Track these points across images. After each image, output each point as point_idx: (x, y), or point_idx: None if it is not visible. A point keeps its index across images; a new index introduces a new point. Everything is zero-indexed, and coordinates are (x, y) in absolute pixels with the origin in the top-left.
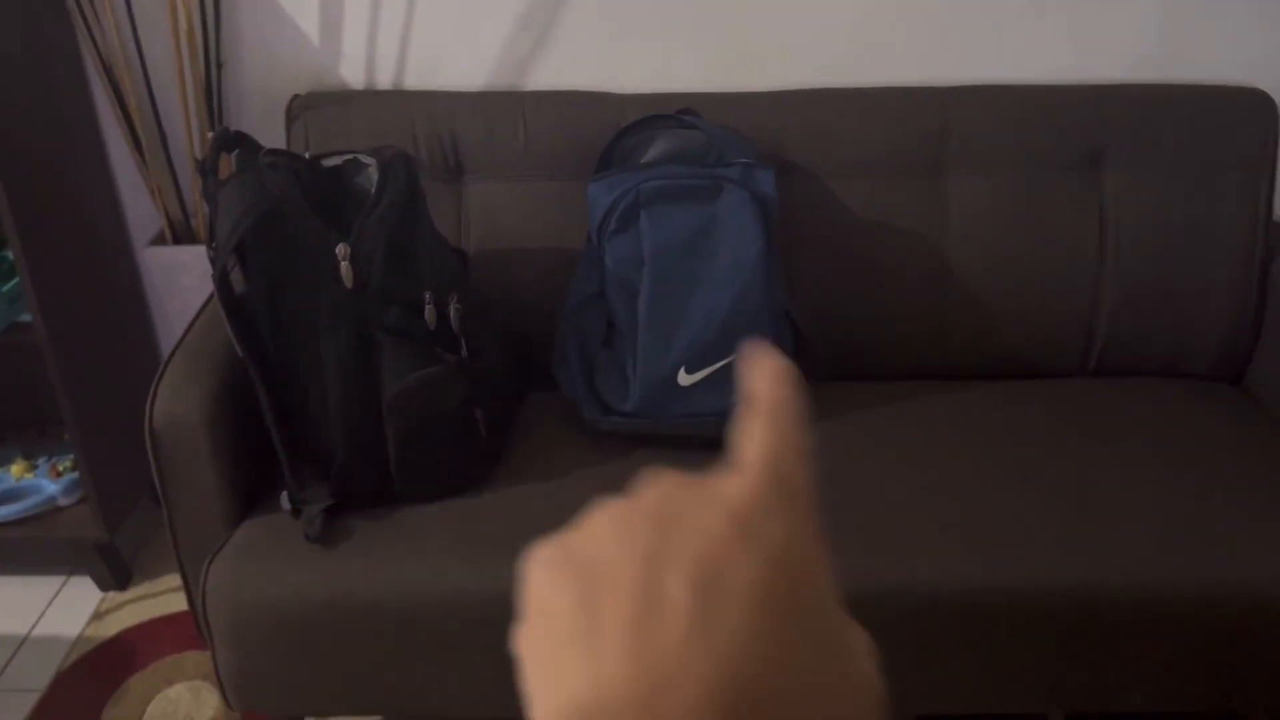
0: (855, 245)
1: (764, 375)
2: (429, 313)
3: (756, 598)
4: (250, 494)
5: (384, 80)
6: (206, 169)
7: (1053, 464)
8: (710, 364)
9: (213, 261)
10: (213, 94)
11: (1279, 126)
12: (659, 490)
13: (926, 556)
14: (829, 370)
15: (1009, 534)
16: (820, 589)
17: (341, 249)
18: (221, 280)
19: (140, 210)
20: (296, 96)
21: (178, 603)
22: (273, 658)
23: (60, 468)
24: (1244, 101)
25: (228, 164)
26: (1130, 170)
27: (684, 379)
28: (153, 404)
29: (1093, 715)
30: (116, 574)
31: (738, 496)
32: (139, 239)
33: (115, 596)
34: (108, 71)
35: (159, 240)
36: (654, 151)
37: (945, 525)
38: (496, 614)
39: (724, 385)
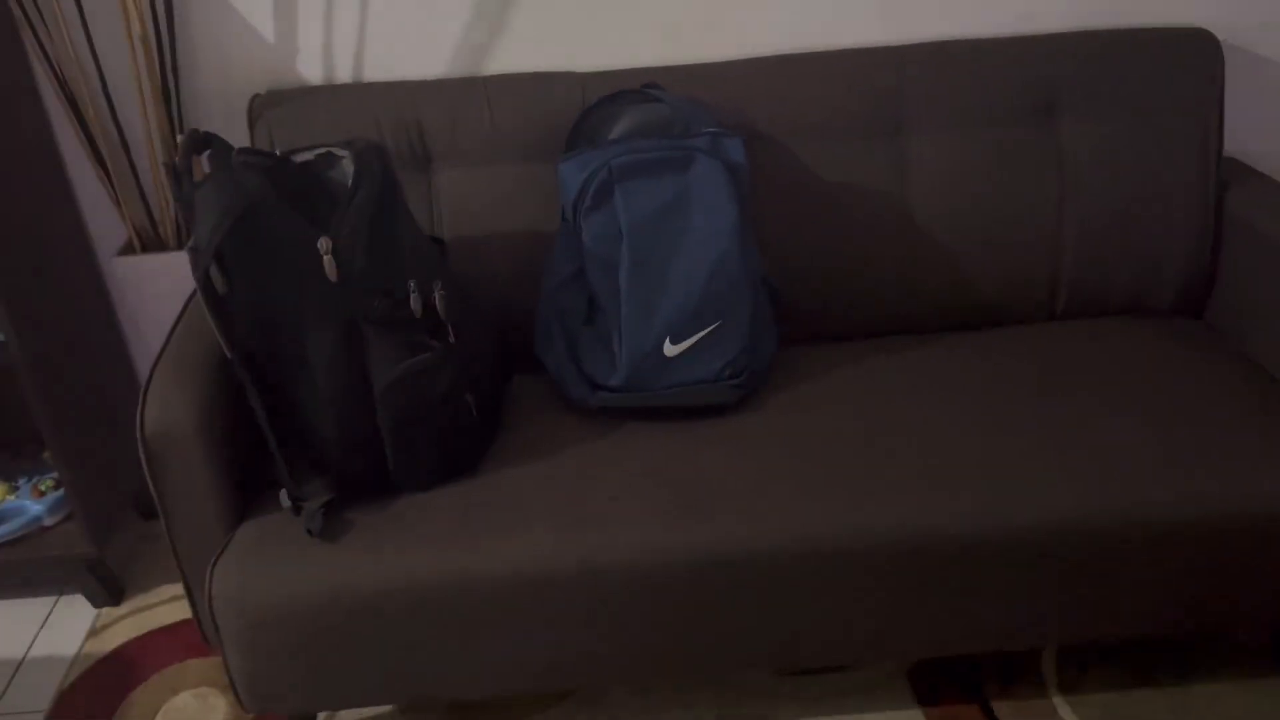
0: (823, 207)
1: None
2: (414, 301)
3: None
4: (246, 495)
5: (343, 74)
6: (179, 172)
7: (1028, 406)
8: (694, 333)
9: (194, 264)
10: (172, 100)
11: (1223, 65)
12: None
13: (913, 503)
14: (807, 332)
15: (994, 476)
16: None
17: (324, 243)
18: (204, 282)
19: (104, 221)
20: (257, 96)
21: (175, 613)
22: (284, 656)
23: (42, 487)
24: (1189, 42)
25: (199, 166)
26: (1084, 117)
27: (669, 349)
28: (142, 414)
29: (1085, 644)
30: (110, 589)
31: None
32: (105, 250)
33: (111, 612)
34: (62, 83)
35: (127, 250)
36: (620, 127)
37: (930, 473)
38: (502, 592)
39: (708, 353)
